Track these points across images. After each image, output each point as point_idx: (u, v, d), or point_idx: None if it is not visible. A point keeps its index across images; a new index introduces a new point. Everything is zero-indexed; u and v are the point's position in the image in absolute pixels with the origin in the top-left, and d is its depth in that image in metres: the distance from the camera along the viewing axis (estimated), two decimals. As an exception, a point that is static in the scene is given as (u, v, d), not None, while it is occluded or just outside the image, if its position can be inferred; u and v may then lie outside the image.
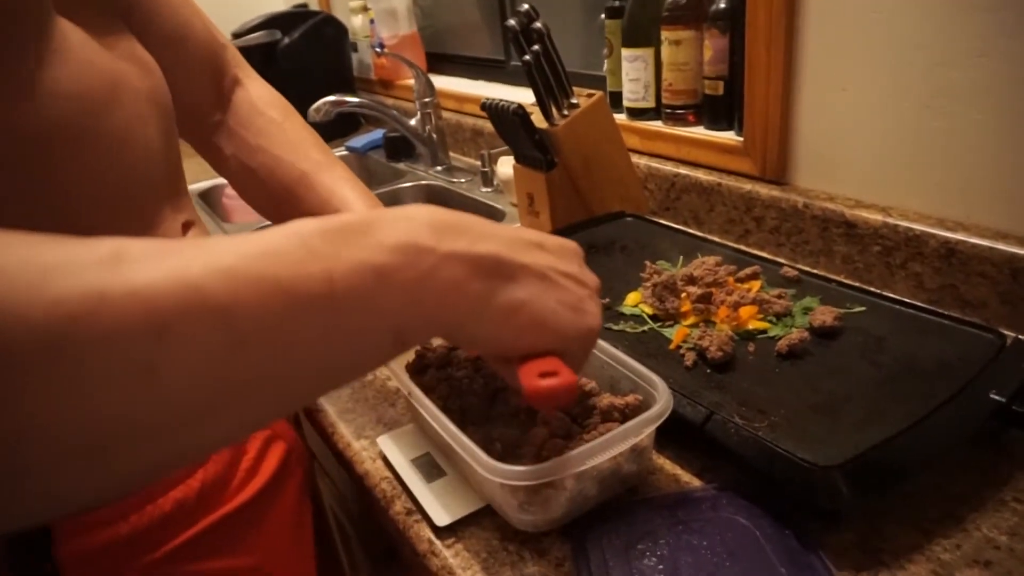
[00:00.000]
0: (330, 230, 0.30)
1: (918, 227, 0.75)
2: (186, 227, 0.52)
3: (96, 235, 0.26)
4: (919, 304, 0.68)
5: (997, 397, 0.53)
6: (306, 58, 1.76)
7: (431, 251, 0.32)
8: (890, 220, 0.77)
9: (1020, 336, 0.63)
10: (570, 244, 0.42)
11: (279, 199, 0.61)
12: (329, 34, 1.80)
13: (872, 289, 0.73)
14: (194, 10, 0.62)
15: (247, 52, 1.72)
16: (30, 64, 0.37)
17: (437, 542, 0.54)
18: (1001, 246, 0.69)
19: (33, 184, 0.38)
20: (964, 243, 0.71)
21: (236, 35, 1.75)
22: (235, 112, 0.64)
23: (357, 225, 0.31)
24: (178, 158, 0.53)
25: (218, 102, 0.64)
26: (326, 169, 0.61)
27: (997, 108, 0.69)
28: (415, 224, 0.32)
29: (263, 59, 1.75)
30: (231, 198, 1.40)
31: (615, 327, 0.71)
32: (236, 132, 0.62)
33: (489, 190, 1.33)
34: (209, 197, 1.55)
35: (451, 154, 1.52)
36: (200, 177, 1.63)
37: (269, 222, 0.59)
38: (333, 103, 1.36)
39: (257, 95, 0.65)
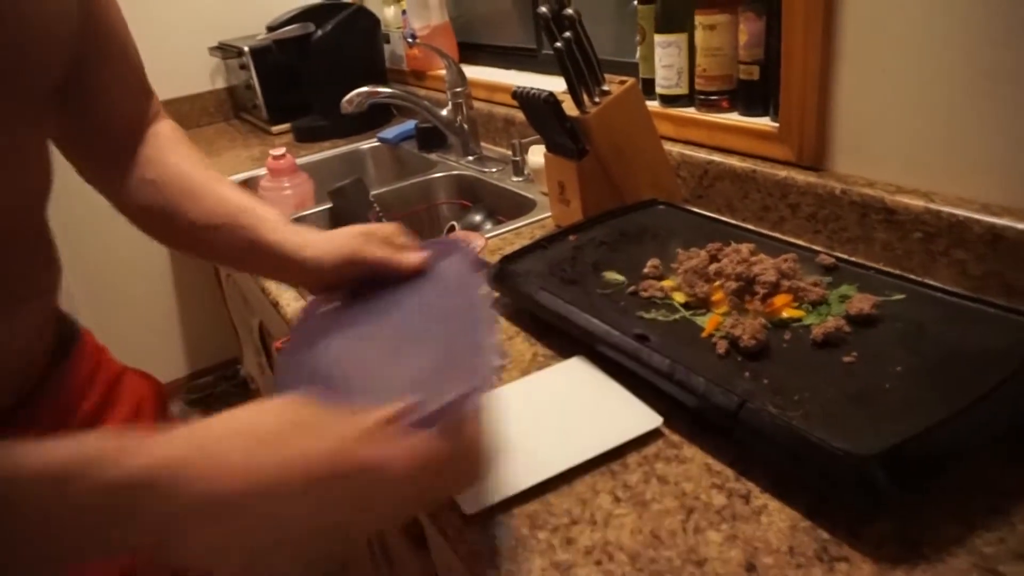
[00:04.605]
0: None
1: (962, 213, 0.72)
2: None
3: None
4: (961, 292, 0.65)
5: (1044, 387, 0.51)
6: (339, 50, 1.77)
7: None
8: (932, 206, 0.75)
9: (1070, 325, 0.61)
10: None
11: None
12: (362, 25, 1.81)
13: (912, 277, 0.71)
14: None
15: (282, 45, 1.76)
16: None
17: (466, 529, 0.54)
18: (1050, 231, 0.66)
19: None
20: (1010, 229, 0.69)
21: (271, 28, 1.77)
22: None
23: None
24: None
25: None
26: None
27: (1047, 88, 0.66)
28: None
29: (297, 52, 1.76)
30: (266, 190, 1.42)
31: (647, 315, 0.71)
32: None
33: (520, 179, 1.33)
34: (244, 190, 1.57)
35: (482, 144, 1.52)
36: (238, 169, 1.66)
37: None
38: (366, 94, 1.36)
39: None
